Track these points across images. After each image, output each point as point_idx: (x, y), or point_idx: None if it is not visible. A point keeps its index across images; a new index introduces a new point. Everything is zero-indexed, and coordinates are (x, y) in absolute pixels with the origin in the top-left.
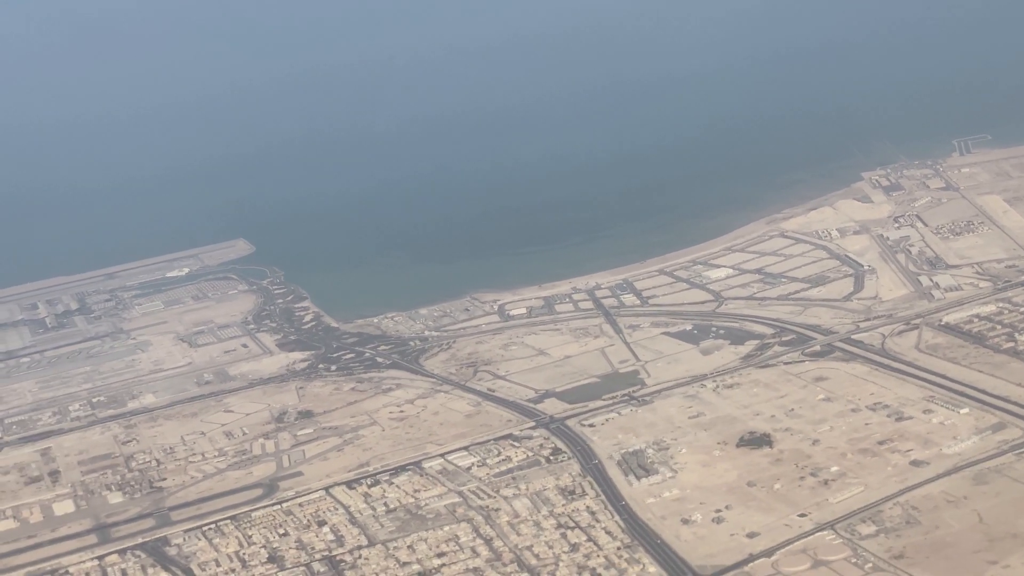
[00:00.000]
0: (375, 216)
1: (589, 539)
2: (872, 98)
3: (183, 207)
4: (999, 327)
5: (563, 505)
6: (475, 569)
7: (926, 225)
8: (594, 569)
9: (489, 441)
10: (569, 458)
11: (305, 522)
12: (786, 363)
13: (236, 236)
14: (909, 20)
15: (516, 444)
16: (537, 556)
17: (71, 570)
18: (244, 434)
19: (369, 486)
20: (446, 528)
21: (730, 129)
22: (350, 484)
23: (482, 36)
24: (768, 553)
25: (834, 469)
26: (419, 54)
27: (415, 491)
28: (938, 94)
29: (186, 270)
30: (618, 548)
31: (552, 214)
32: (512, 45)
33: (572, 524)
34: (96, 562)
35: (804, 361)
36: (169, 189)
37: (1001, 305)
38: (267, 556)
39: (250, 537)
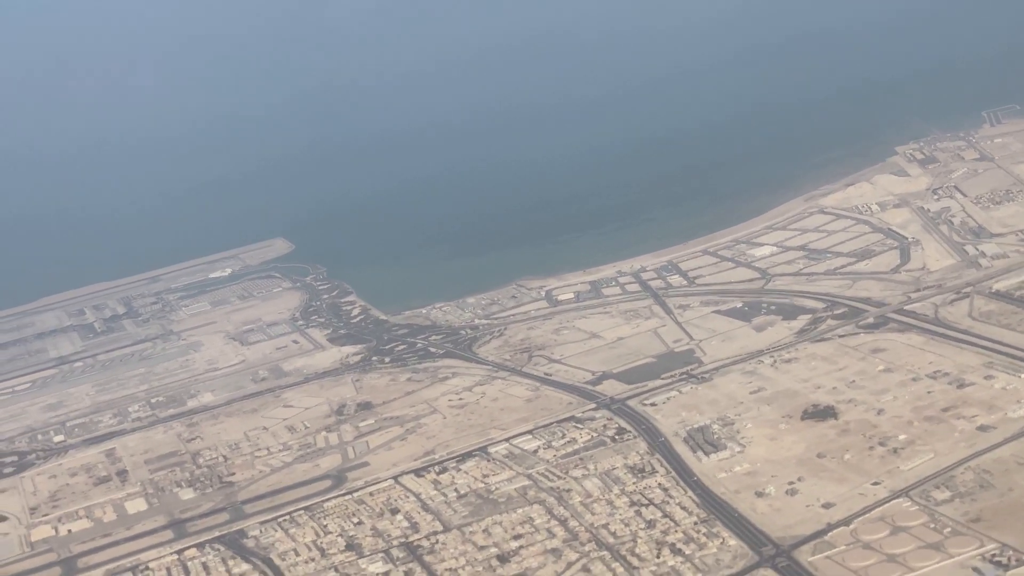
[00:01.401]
0: (412, 212)
1: (665, 515)
2: (899, 74)
3: (220, 210)
4: None
5: (634, 483)
6: (554, 550)
7: (965, 196)
8: (673, 544)
9: (552, 424)
10: (635, 437)
11: (378, 510)
12: (841, 336)
13: (274, 235)
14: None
15: (579, 426)
16: (614, 534)
17: (151, 566)
18: (306, 428)
19: (437, 473)
20: (519, 511)
21: (759, 112)
22: (418, 472)
23: (504, 35)
24: (846, 522)
25: (902, 437)
26: (448, 55)
27: (484, 476)
28: (963, 68)
29: (229, 270)
30: (695, 523)
31: (590, 201)
32: (534, 44)
33: (645, 501)
34: (176, 556)
35: (859, 333)
36: (205, 193)
37: None
38: (345, 544)
39: (325, 527)
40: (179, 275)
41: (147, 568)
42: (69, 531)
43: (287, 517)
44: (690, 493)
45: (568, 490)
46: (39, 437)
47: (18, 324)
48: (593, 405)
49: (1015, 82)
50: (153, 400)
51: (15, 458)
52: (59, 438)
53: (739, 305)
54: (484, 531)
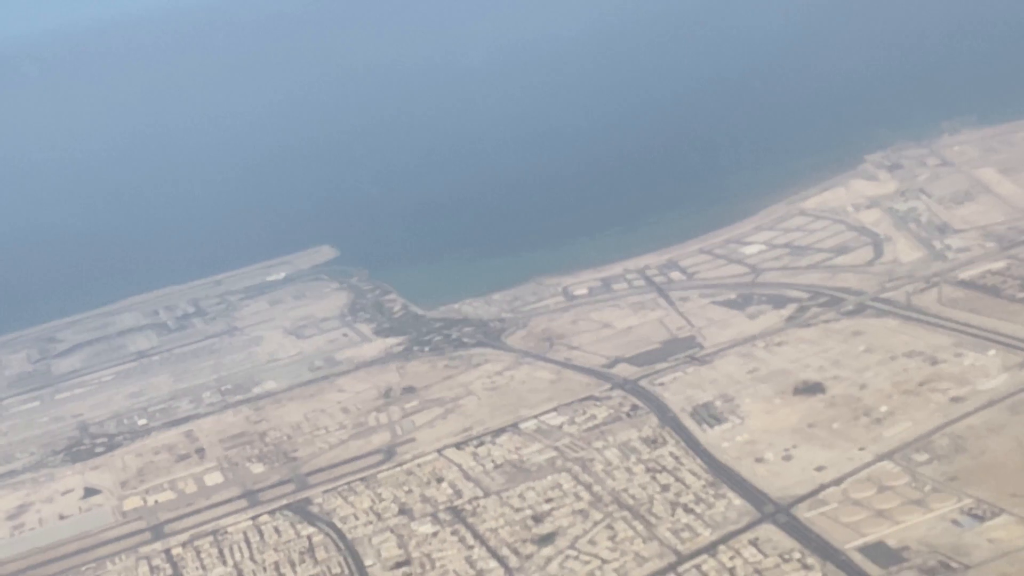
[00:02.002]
0: (441, 219)
1: (676, 480)
2: (863, 87)
3: (272, 219)
4: (1010, 280)
5: (648, 453)
6: (581, 511)
7: (930, 196)
8: (686, 504)
9: (574, 402)
10: (647, 413)
11: (425, 480)
12: (825, 321)
13: (320, 243)
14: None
15: (598, 404)
16: (633, 497)
17: (230, 530)
18: (359, 409)
19: (476, 447)
20: (549, 478)
21: (736, 122)
22: (458, 446)
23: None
24: (837, 482)
25: (883, 409)
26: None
27: (516, 448)
28: (923, 80)
29: (283, 274)
30: (704, 486)
31: (596, 207)
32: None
33: (659, 468)
34: (251, 522)
35: (841, 319)
36: (258, 204)
37: (1009, 261)
38: (398, 509)
39: (380, 494)
40: (239, 278)
41: (226, 532)
42: (156, 502)
43: (346, 486)
44: (698, 460)
45: (591, 459)
46: (125, 421)
47: (101, 323)
48: (609, 385)
49: (970, 93)
50: (223, 388)
51: (105, 439)
52: (143, 421)
53: (733, 296)
54: (519, 496)
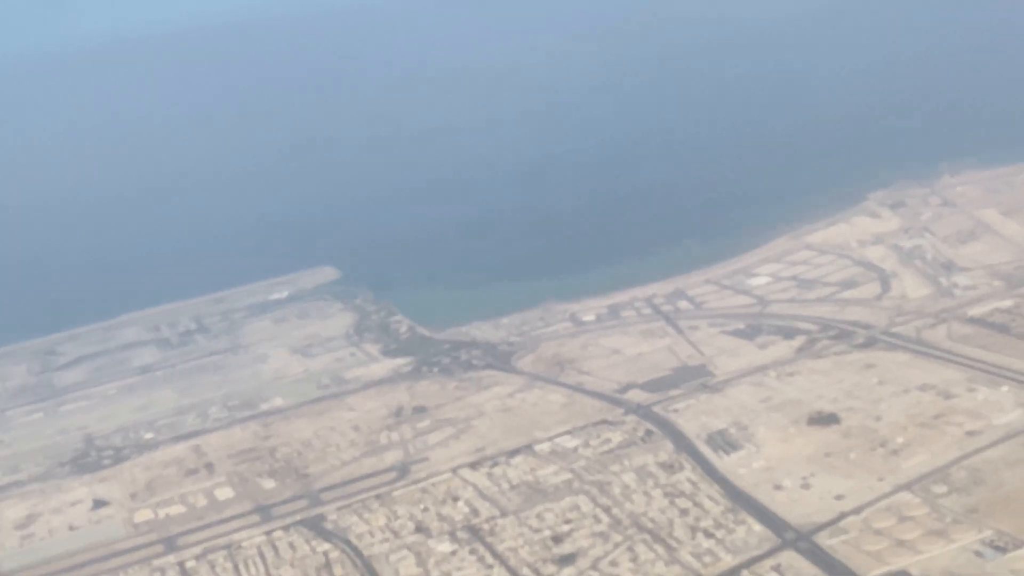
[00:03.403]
0: (446, 242)
1: (695, 504)
2: (864, 126)
3: (275, 239)
4: (1019, 318)
5: (665, 477)
6: (601, 533)
7: (934, 235)
8: (706, 529)
9: (588, 426)
10: (662, 438)
11: (441, 498)
12: (836, 354)
13: (322, 263)
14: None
15: (613, 428)
16: (653, 520)
17: (244, 544)
18: (369, 427)
19: (490, 467)
20: (566, 499)
21: (734, 158)
22: (473, 466)
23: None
24: (857, 511)
25: (900, 440)
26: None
27: (532, 469)
28: (923, 120)
29: (286, 293)
30: (723, 511)
31: (601, 238)
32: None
33: (677, 493)
34: (265, 537)
35: (852, 352)
36: (262, 224)
37: (1016, 300)
38: (414, 527)
39: (395, 512)
40: (240, 296)
41: (239, 546)
42: (167, 515)
43: (360, 504)
44: (716, 486)
45: (608, 483)
46: (131, 435)
47: (102, 337)
48: (622, 410)
49: (970, 135)
50: (229, 404)
51: (112, 452)
52: (149, 435)
53: (742, 326)
54: (537, 516)
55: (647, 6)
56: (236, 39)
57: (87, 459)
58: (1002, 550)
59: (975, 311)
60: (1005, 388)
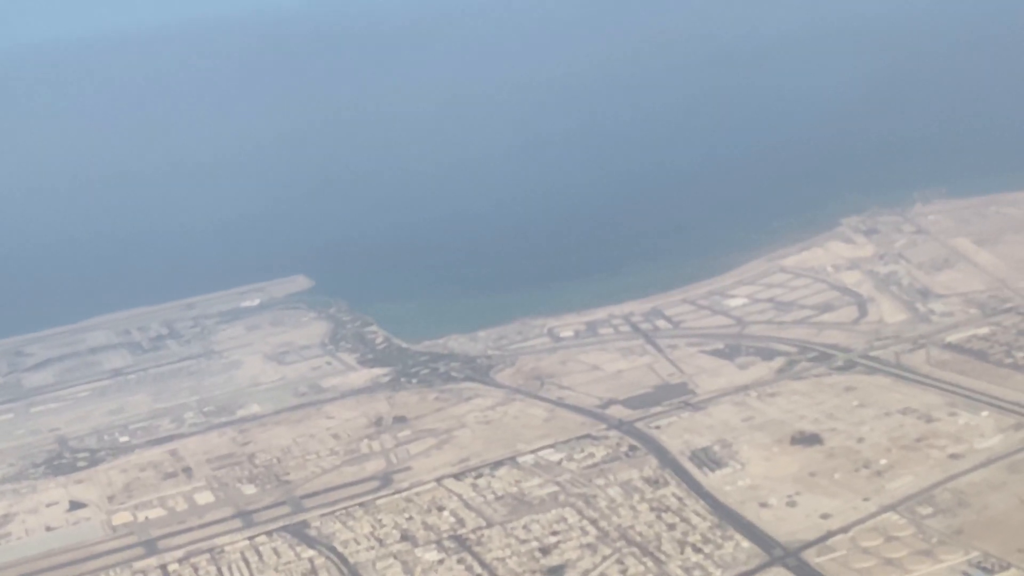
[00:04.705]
0: (422, 254)
1: (682, 520)
2: (834, 151)
3: (245, 246)
4: (996, 345)
5: (651, 492)
6: (589, 545)
7: (909, 262)
8: (694, 544)
9: (571, 440)
10: (646, 454)
11: (426, 507)
12: (816, 376)
13: (295, 272)
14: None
15: (596, 442)
16: (640, 534)
17: (226, 549)
18: (349, 436)
19: (475, 478)
20: (553, 512)
21: (708, 175)
22: (457, 476)
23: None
24: (844, 530)
25: (883, 462)
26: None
27: (516, 481)
28: (894, 149)
29: (258, 300)
30: (710, 527)
31: (577, 254)
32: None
33: (664, 508)
34: (248, 542)
35: (832, 374)
36: (231, 230)
37: (993, 327)
38: (400, 536)
39: (380, 520)
40: (211, 303)
41: (222, 551)
42: (146, 518)
43: (344, 511)
44: (702, 502)
45: (594, 496)
46: (105, 437)
47: (70, 340)
48: (605, 426)
49: (940, 163)
50: (205, 409)
51: (87, 454)
52: (124, 439)
53: (721, 347)
54: (524, 527)
55: (632, 26)
56: (221, 39)
57: (61, 460)
58: (989, 571)
59: (953, 337)
60: (985, 413)
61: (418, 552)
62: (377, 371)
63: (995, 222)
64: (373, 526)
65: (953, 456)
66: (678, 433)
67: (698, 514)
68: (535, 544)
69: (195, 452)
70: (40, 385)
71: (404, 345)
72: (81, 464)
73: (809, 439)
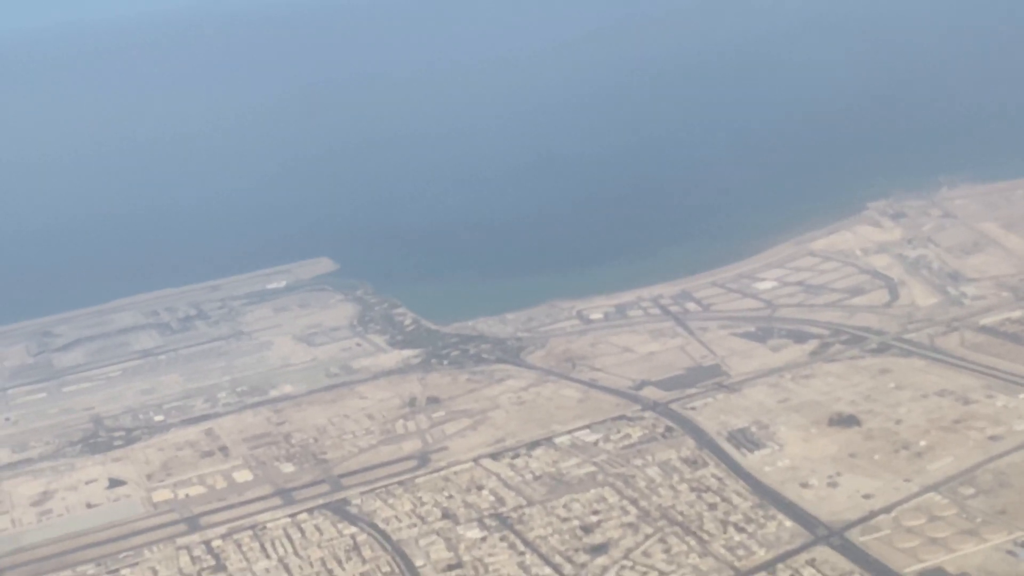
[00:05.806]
0: (449, 237)
1: (723, 499)
2: (862, 136)
3: (269, 228)
4: None
5: (690, 473)
6: (630, 524)
7: (938, 246)
8: (736, 523)
9: (607, 421)
10: (682, 435)
11: (465, 487)
12: (850, 358)
13: (319, 255)
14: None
15: (631, 423)
16: (681, 514)
17: (268, 526)
18: (384, 416)
19: (512, 458)
20: (592, 491)
21: (733, 159)
22: (494, 456)
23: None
24: (887, 510)
25: (923, 443)
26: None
27: (554, 462)
28: (921, 134)
29: (284, 282)
30: (751, 507)
31: (605, 237)
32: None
33: (704, 488)
34: (289, 519)
35: (866, 356)
36: (254, 212)
37: None
38: (441, 514)
39: (420, 498)
40: (237, 285)
41: (264, 528)
42: (187, 495)
43: (384, 489)
44: (741, 482)
45: (632, 476)
46: (140, 416)
47: (98, 321)
48: (639, 407)
49: (965, 148)
50: (238, 389)
51: (123, 433)
52: (159, 418)
53: (752, 329)
54: (564, 506)
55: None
56: (239, 30)
57: (97, 439)
58: None
59: (986, 320)
60: (1023, 395)
61: (460, 530)
62: (407, 352)
63: (1022, 207)
64: (414, 504)
65: (992, 438)
66: (714, 414)
67: (739, 494)
68: (576, 523)
69: (231, 431)
70: (71, 365)
71: (433, 327)
72: (117, 443)
73: (847, 420)
